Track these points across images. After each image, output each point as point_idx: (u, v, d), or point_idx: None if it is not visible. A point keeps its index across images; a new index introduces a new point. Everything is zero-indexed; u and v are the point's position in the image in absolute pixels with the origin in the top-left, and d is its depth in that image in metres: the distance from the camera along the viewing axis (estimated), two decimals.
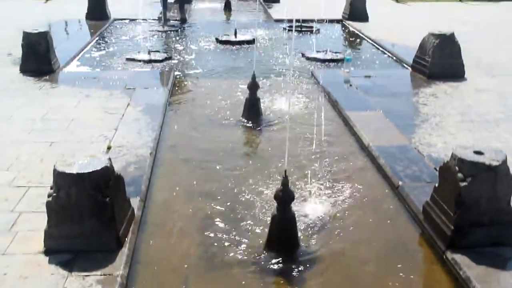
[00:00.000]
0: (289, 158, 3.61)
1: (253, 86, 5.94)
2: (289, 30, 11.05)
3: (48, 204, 3.16)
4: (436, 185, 3.62)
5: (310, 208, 4.04)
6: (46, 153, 4.67)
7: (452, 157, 3.37)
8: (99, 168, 3.16)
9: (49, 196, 3.17)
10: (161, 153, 4.99)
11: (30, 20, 11.32)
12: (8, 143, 4.91)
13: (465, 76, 7.46)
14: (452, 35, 7.38)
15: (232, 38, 10.00)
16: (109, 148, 4.83)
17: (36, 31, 7.29)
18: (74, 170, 3.11)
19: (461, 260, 3.23)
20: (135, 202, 3.80)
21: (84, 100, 6.26)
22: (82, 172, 3.10)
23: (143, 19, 11.45)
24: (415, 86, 7.20)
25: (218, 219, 3.83)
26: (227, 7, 13.92)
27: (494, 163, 3.22)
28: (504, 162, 3.27)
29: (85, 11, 11.82)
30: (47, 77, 7.14)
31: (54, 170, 3.13)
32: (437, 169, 3.83)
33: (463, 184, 3.24)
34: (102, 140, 5.01)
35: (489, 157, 3.27)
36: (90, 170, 3.12)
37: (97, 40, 10.04)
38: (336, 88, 6.93)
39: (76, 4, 13.11)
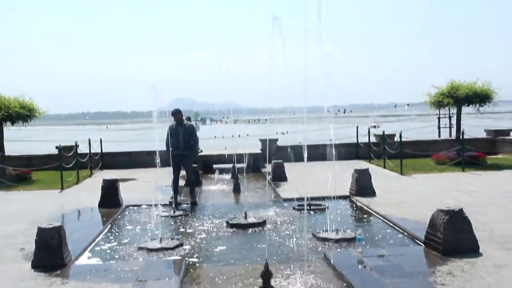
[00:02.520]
0: None
1: (266, 274, 5.85)
2: (298, 209, 11.21)
3: None
4: None
5: None
6: None
7: None
8: None
9: None
10: None
11: (45, 211, 11.62)
12: None
13: (480, 250, 7.36)
14: (461, 210, 7.44)
15: (243, 221, 10.11)
16: None
17: (50, 226, 7.41)
18: None
19: None
20: None
21: None
22: None
23: (154, 205, 11.73)
24: (431, 264, 7.07)
25: None
26: (236, 189, 14.29)
27: None
28: None
29: (98, 199, 12.18)
30: (59, 271, 7.09)
31: None
32: None
33: None
34: None
35: None
36: None
37: (109, 229, 10.16)
38: (349, 270, 6.80)
39: (89, 193, 13.55)
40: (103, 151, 20.74)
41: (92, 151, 19.07)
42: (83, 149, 18.49)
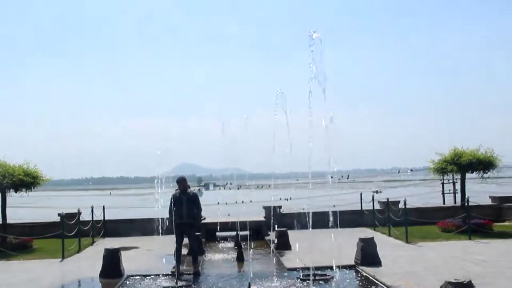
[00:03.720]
0: None
1: None
2: (303, 280, 10.98)
3: None
4: None
5: None
6: None
7: None
8: None
9: None
10: None
11: (45, 281, 11.41)
12: None
13: None
14: (470, 283, 7.28)
15: None
16: None
17: None
18: None
19: None
20: None
21: None
22: None
23: (156, 275, 11.49)
24: None
25: None
26: (240, 258, 14.06)
27: None
28: None
29: (99, 269, 11.98)
30: None
31: None
32: None
33: None
34: None
35: None
36: None
37: None
38: None
39: (91, 262, 13.34)
40: (106, 218, 20.59)
41: (95, 218, 18.93)
42: (85, 216, 18.38)
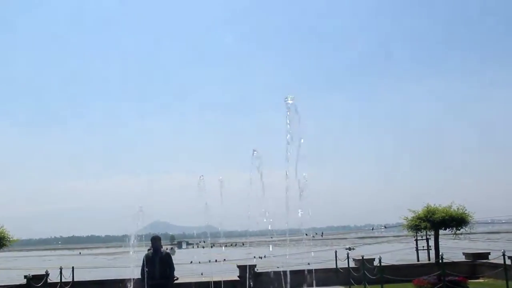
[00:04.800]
0: None
1: None
2: None
3: None
4: None
5: None
6: None
7: None
8: None
9: None
10: None
11: None
12: None
13: None
14: None
15: None
16: None
17: None
18: None
19: None
20: None
21: None
22: None
23: None
24: None
25: None
26: None
27: None
28: None
29: None
30: None
31: None
32: None
33: None
34: None
35: None
36: None
37: None
38: None
39: None
40: (75, 279, 19.93)
41: (63, 279, 18.31)
42: (53, 277, 17.77)
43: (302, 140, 10.46)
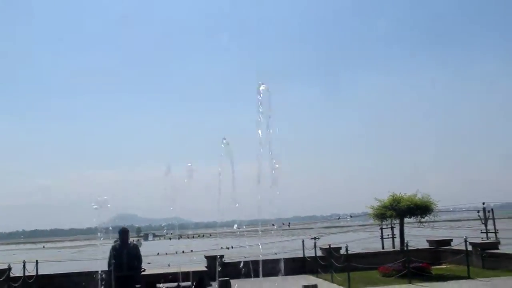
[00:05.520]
0: None
1: None
2: None
3: None
4: None
5: None
6: None
7: None
8: None
9: None
10: None
11: None
12: None
13: None
14: None
15: None
16: None
17: None
18: None
19: None
20: None
21: None
22: None
23: None
24: None
25: None
26: None
27: None
28: None
29: None
30: None
31: None
32: None
33: None
34: None
35: None
36: None
37: None
38: None
39: None
40: (39, 273, 19.55)
41: (27, 273, 17.92)
42: (16, 272, 17.38)
43: (271, 131, 10.45)
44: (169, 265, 21.44)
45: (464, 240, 18.48)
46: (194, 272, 18.22)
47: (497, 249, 19.88)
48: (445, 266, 20.42)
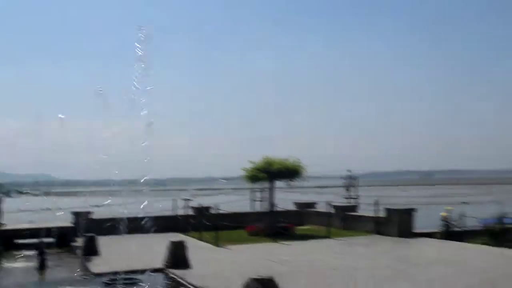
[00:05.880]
0: None
1: None
2: (108, 284, 10.57)
3: None
4: None
5: None
6: None
7: None
8: None
9: None
10: None
11: None
12: None
13: None
14: (272, 278, 7.66)
15: None
16: None
17: None
18: None
19: None
20: None
21: None
22: None
23: None
24: None
25: None
26: (42, 266, 13.02)
27: None
28: None
29: None
30: None
31: None
32: None
33: None
34: None
35: None
36: None
37: None
38: None
39: None
40: None
41: None
42: None
43: (148, 88, 10.20)
44: (31, 222, 20.38)
45: (326, 204, 19.60)
46: (58, 228, 17.50)
47: (356, 212, 21.37)
48: (308, 227, 21.57)
